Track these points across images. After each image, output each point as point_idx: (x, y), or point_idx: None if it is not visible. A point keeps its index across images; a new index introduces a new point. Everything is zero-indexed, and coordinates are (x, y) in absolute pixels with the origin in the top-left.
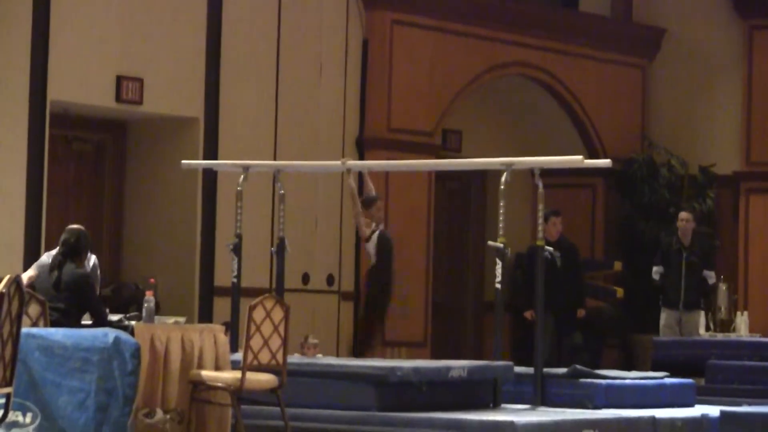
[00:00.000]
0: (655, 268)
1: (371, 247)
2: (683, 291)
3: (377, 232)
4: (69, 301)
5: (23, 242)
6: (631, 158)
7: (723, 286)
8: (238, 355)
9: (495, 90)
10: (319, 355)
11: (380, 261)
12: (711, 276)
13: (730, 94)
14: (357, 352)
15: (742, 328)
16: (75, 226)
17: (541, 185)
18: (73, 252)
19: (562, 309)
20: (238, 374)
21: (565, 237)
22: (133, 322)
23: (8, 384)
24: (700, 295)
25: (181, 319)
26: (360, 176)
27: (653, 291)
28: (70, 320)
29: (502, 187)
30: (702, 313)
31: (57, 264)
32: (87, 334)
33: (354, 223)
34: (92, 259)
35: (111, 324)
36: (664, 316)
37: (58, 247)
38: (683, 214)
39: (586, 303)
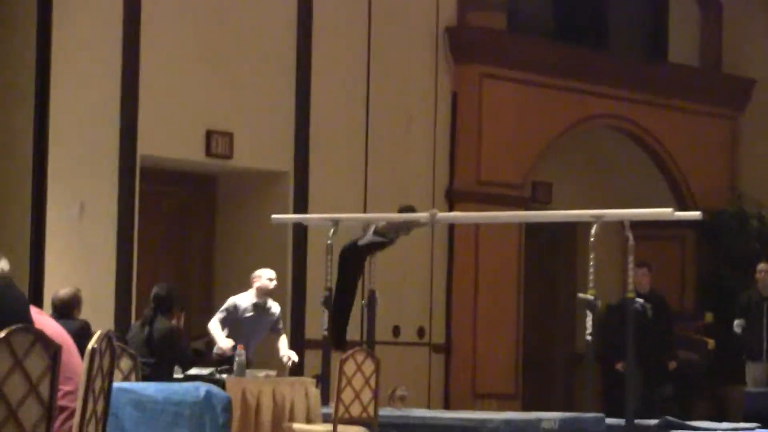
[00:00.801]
0: (736, 321)
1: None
2: (766, 342)
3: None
4: (160, 355)
5: (114, 298)
6: (721, 210)
7: None
8: (330, 408)
9: (584, 142)
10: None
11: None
12: None
13: None
14: None
15: None
16: (164, 285)
17: (631, 237)
18: (163, 307)
19: (653, 360)
20: (329, 427)
21: (655, 289)
22: (224, 376)
23: None
24: None
25: (273, 373)
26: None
27: (737, 344)
28: (162, 374)
29: (592, 239)
30: None
31: (148, 319)
32: (179, 389)
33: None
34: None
35: (203, 378)
36: (750, 369)
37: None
38: (761, 265)
39: (677, 354)
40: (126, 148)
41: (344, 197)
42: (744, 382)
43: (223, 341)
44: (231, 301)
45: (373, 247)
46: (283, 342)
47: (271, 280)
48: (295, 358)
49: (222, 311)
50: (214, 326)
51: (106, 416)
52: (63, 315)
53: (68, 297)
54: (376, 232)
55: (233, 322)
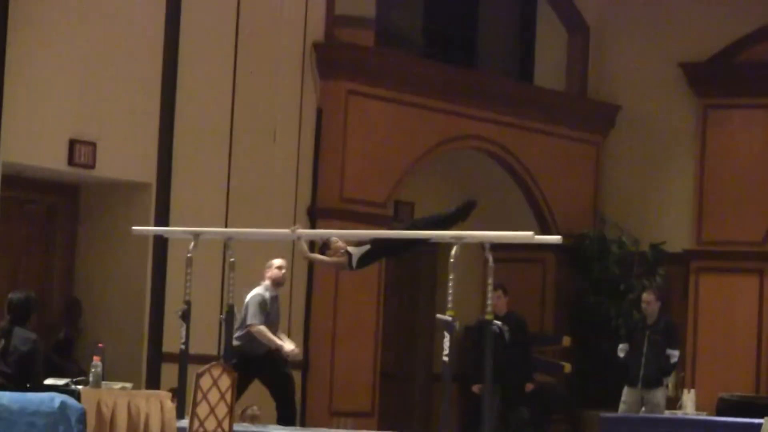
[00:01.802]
0: (621, 346)
1: (357, 255)
2: (643, 369)
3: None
4: (18, 368)
5: None
6: (582, 234)
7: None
8: (185, 422)
9: (448, 162)
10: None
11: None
12: (674, 355)
13: (683, 172)
14: None
15: (689, 406)
16: (21, 291)
17: (491, 259)
18: (20, 315)
19: (510, 383)
20: None
21: (514, 311)
22: (80, 387)
23: None
24: (662, 373)
25: (128, 385)
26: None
27: (603, 366)
28: (18, 386)
29: (452, 260)
30: (663, 391)
31: (4, 331)
32: (33, 398)
33: (335, 271)
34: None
35: (58, 388)
36: (625, 393)
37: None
38: (644, 296)
39: (534, 377)
40: None
41: (206, 210)
42: (601, 407)
43: (288, 344)
44: (257, 297)
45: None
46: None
47: (280, 268)
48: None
49: (259, 312)
50: (266, 330)
51: None
52: None
53: None
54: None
55: (266, 317)
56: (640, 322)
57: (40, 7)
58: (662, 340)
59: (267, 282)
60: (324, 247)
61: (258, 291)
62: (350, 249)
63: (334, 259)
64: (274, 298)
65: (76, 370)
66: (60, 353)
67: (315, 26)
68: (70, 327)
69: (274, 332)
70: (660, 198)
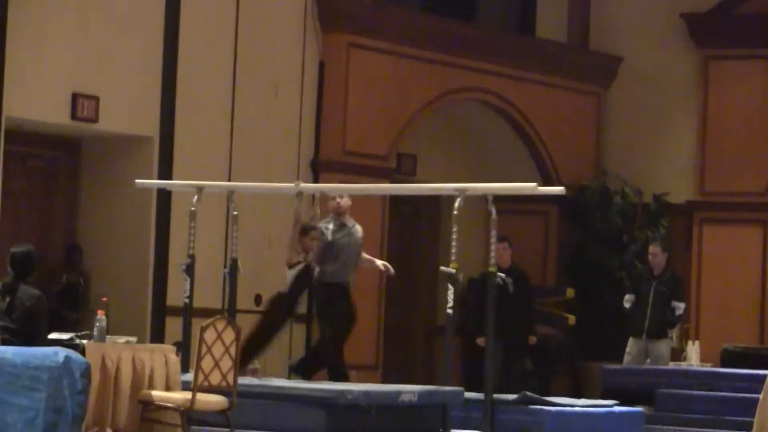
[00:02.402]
0: (626, 297)
1: (290, 275)
2: (648, 320)
3: (302, 265)
4: (24, 325)
5: None
6: (584, 185)
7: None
8: (189, 376)
9: (450, 115)
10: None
11: (291, 290)
12: (680, 307)
13: (684, 123)
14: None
15: (693, 358)
16: (22, 245)
17: (494, 211)
18: (23, 271)
19: (513, 335)
20: (188, 395)
21: (517, 263)
22: (84, 341)
23: None
24: (666, 325)
25: (133, 339)
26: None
27: (606, 318)
28: (23, 341)
29: (455, 212)
30: (667, 343)
31: (8, 287)
32: (37, 353)
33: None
34: None
35: (62, 343)
36: (630, 344)
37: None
38: (650, 248)
39: (537, 329)
40: None
41: (209, 164)
42: (604, 359)
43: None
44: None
45: None
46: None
47: (334, 198)
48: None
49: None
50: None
51: None
52: None
53: None
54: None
55: (326, 248)
56: (646, 273)
57: None
58: (668, 292)
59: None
60: (304, 231)
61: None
62: (298, 266)
63: (296, 246)
64: (341, 227)
65: (80, 318)
66: (63, 302)
67: None
68: (70, 272)
69: (347, 261)
70: (662, 149)
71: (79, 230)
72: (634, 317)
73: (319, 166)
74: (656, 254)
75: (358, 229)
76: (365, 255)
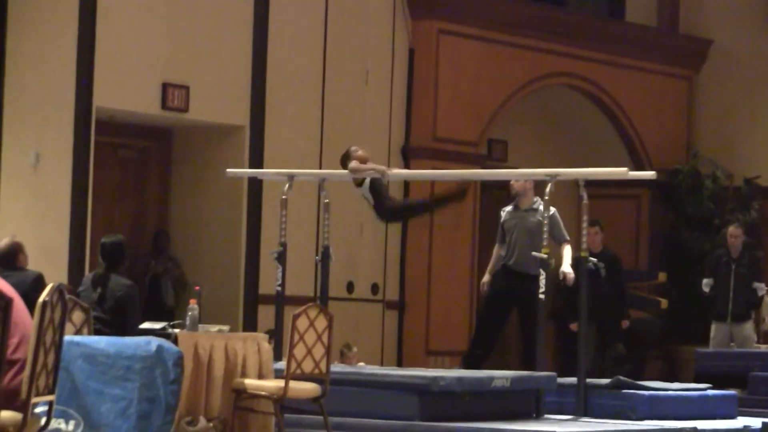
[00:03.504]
0: (705, 281)
1: (366, 191)
2: (731, 303)
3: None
4: (115, 315)
5: (68, 248)
6: (675, 169)
7: (767, 298)
8: (282, 364)
9: (540, 100)
10: (362, 364)
11: (377, 201)
12: (761, 288)
13: None
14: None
15: None
16: (112, 236)
17: (585, 196)
18: (114, 261)
19: (606, 319)
20: (281, 383)
21: (609, 248)
22: (176, 330)
23: (51, 392)
24: (749, 307)
25: (225, 328)
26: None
27: (698, 302)
28: (115, 331)
29: (546, 197)
30: (752, 324)
31: (100, 279)
32: (130, 343)
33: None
34: None
35: (155, 332)
36: (714, 329)
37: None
38: (731, 230)
39: (630, 314)
40: (82, 100)
41: (300, 152)
42: (696, 343)
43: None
44: None
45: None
46: (566, 254)
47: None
48: (570, 276)
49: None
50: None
51: (57, 369)
52: (8, 266)
53: (8, 247)
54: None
55: (500, 232)
56: (725, 256)
57: None
58: (748, 274)
59: None
60: (347, 157)
61: None
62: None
63: (370, 166)
64: (515, 209)
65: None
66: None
67: None
68: (158, 257)
69: (514, 245)
70: (753, 132)
71: (171, 220)
72: (716, 301)
73: (409, 153)
74: (737, 236)
75: (538, 212)
76: (567, 249)
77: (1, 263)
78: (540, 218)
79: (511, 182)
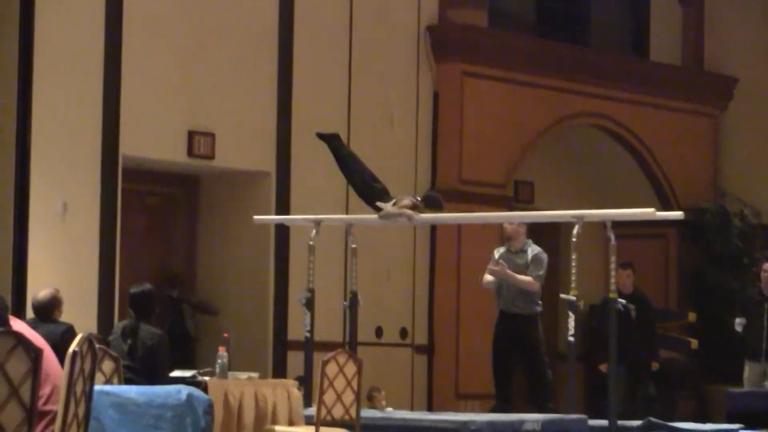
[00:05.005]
0: (738, 320)
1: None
2: (765, 342)
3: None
4: (144, 361)
5: (97, 297)
6: (703, 208)
7: None
8: (312, 410)
9: (566, 141)
10: (390, 409)
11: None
12: None
13: None
14: None
15: None
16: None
17: (613, 237)
18: (143, 311)
19: (636, 361)
20: (312, 429)
21: (639, 289)
22: (206, 378)
23: None
24: None
25: (255, 375)
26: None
27: (728, 341)
28: (145, 380)
29: (573, 239)
30: None
31: (130, 329)
32: (160, 391)
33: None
34: None
35: (185, 380)
36: (747, 369)
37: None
38: (766, 266)
39: (659, 355)
40: (108, 148)
41: (326, 197)
42: (727, 382)
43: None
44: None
45: None
46: (522, 276)
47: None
48: (501, 268)
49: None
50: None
51: (88, 419)
52: (43, 318)
53: (47, 299)
54: None
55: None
56: (757, 295)
57: (152, 0)
58: None
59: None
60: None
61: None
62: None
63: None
64: (506, 252)
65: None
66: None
67: (428, 9)
68: (172, 291)
69: (501, 285)
70: None
71: (199, 266)
72: (749, 340)
73: None
74: None
75: (525, 256)
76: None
77: (37, 314)
78: (528, 260)
79: (504, 225)
